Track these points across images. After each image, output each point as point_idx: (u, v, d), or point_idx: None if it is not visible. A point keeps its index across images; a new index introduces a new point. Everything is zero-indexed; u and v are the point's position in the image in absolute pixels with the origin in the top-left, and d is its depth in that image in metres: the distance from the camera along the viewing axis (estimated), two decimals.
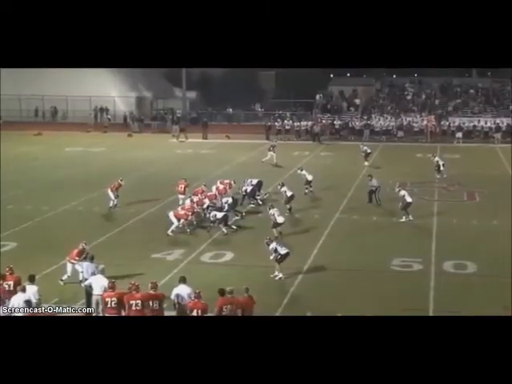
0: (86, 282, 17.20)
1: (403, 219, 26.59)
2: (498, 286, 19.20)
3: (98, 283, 16.45)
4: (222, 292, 15.26)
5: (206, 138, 54.07)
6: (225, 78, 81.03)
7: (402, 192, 27.05)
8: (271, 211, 24.54)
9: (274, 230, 24.33)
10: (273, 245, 20.36)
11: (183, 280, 16.23)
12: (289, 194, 28.20)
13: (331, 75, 72.67)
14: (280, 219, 24.37)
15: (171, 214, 25.15)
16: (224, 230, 25.01)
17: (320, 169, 37.72)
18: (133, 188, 30.53)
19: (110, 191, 28.66)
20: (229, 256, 22.61)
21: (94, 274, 17.41)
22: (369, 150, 41.15)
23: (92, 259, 18.35)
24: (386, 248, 23.27)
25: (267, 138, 53.12)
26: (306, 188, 31.67)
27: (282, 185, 28.82)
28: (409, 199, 26.72)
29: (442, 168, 35.57)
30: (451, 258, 22.11)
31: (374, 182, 30.12)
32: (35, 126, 59.63)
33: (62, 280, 19.14)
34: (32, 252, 22.32)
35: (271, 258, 20.36)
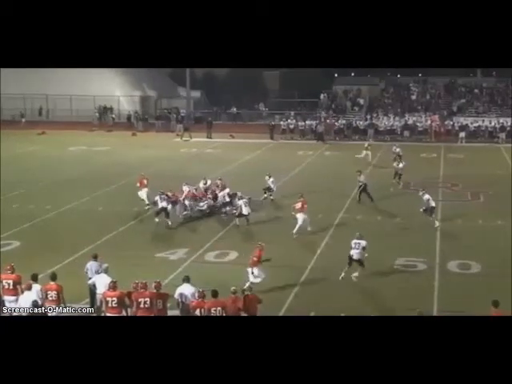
0: (90, 281, 17.19)
1: (436, 224, 25.80)
2: (503, 286, 19.15)
3: (102, 282, 16.46)
4: (214, 294, 15.20)
5: (211, 138, 54.07)
6: (229, 77, 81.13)
7: (426, 196, 26.31)
8: (239, 202, 25.97)
9: (237, 219, 25.88)
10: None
11: (187, 279, 16.23)
12: (272, 186, 30.03)
13: (335, 75, 72.64)
14: (245, 210, 25.80)
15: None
16: (237, 221, 26.20)
17: (324, 168, 37.69)
18: (136, 187, 30.46)
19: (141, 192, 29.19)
20: (233, 255, 22.60)
21: (98, 272, 17.40)
22: (401, 153, 40.62)
23: (96, 258, 18.28)
24: (390, 248, 23.24)
25: (271, 138, 53.28)
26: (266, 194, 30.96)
27: (270, 176, 30.44)
28: (432, 203, 26.04)
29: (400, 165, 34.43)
30: (455, 257, 22.08)
31: (362, 178, 30.18)
32: (39, 125, 59.68)
33: None
34: (35, 251, 22.34)
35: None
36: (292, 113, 60.60)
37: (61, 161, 42.65)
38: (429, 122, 55.71)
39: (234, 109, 67.39)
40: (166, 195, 26.47)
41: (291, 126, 55.65)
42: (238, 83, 77.88)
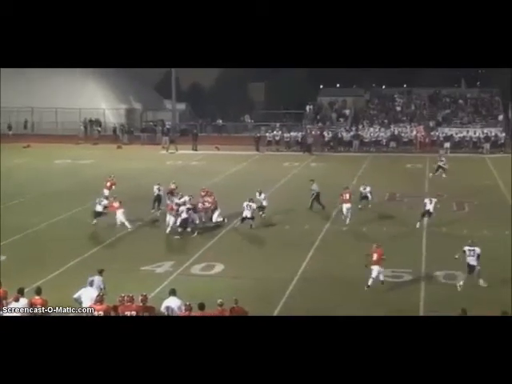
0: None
1: (417, 225, 27.38)
2: (488, 295, 19.24)
3: (88, 295, 16.39)
4: (201, 307, 15.20)
5: (196, 150, 54.12)
6: (214, 89, 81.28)
7: (426, 200, 27.67)
8: (244, 204, 27.10)
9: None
10: None
11: (173, 292, 16.21)
12: (264, 202, 29.28)
13: (321, 86, 72.87)
14: (246, 213, 27.02)
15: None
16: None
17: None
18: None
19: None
20: (219, 268, 22.57)
21: (101, 288, 17.27)
22: (445, 166, 40.52)
23: (101, 273, 18.03)
24: None
25: (257, 149, 53.44)
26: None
27: (260, 192, 29.74)
28: (428, 208, 27.27)
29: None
30: (441, 268, 22.14)
31: (314, 187, 30.82)
32: (24, 137, 59.47)
33: None
34: (22, 265, 22.21)
35: None
36: (277, 124, 60.78)
37: (47, 174, 42.54)
38: (414, 132, 56.03)
39: (220, 121, 67.49)
40: (106, 198, 28.91)
41: (277, 138, 55.83)
42: (223, 95, 78.04)
